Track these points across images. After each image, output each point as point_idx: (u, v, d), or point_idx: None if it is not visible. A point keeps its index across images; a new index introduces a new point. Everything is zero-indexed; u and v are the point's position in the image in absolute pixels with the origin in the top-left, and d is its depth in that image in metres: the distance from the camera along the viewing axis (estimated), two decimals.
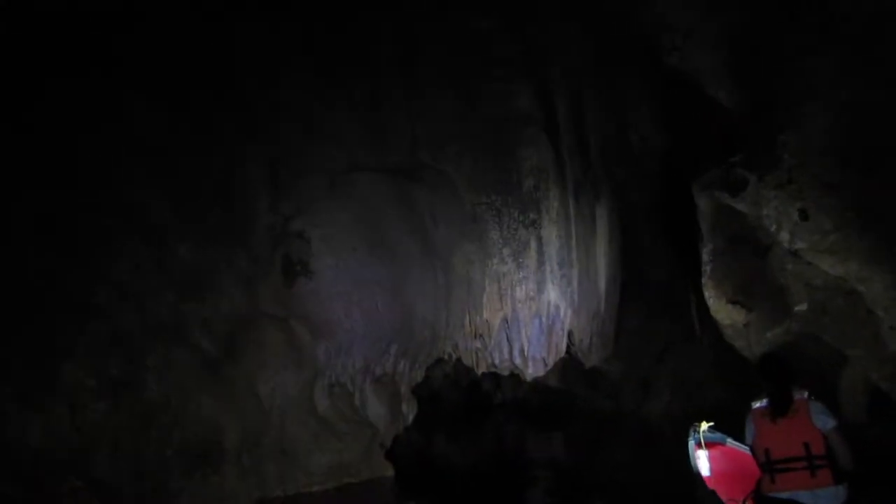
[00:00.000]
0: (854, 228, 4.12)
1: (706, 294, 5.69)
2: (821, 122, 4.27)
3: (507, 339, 8.25)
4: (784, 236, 4.54)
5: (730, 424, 3.76)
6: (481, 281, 7.88)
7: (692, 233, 6.13)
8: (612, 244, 8.49)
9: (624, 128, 8.81)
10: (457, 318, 7.81)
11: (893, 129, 3.97)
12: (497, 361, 8.34)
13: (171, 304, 5.61)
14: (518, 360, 8.31)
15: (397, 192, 7.31)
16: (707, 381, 7.11)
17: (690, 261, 6.33)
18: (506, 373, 8.42)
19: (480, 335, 8.16)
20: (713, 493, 3.44)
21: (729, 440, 3.93)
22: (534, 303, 8.04)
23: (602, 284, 8.42)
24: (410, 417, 7.30)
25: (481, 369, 8.37)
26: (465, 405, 7.94)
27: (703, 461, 3.79)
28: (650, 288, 8.65)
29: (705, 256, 5.71)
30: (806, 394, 2.75)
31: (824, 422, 2.67)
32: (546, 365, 8.37)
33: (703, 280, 5.71)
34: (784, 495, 2.66)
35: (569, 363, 8.42)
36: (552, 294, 8.06)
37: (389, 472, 6.41)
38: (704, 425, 3.98)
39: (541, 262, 7.97)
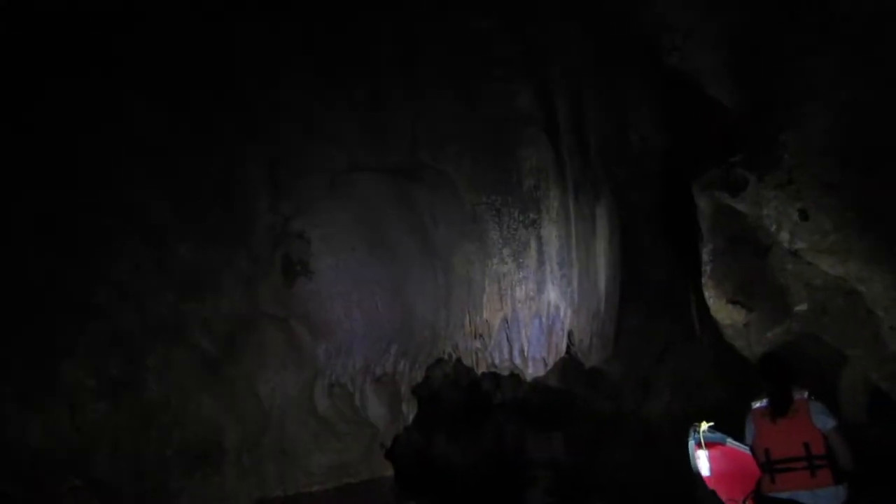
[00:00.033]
0: (854, 228, 4.11)
1: (706, 294, 5.68)
2: (821, 122, 4.27)
3: (507, 339, 8.24)
4: (784, 236, 4.53)
5: (730, 424, 3.75)
6: (481, 281, 7.88)
7: (692, 233, 6.12)
8: (612, 244, 8.48)
9: (624, 128, 8.79)
10: (457, 318, 7.81)
11: (893, 129, 3.97)
12: (497, 361, 8.33)
13: (171, 304, 5.62)
14: (518, 360, 8.31)
15: (397, 192, 7.32)
16: (707, 381, 7.11)
17: (690, 261, 6.32)
18: (506, 373, 8.42)
19: (480, 335, 8.16)
20: (713, 493, 3.44)
21: (729, 440, 3.92)
22: (534, 303, 8.04)
23: (602, 284, 8.41)
24: (410, 417, 7.31)
25: (481, 369, 8.37)
26: (465, 405, 7.94)
27: (703, 461, 3.78)
28: (650, 288, 8.62)
29: (705, 256, 5.70)
30: (806, 394, 2.75)
31: (824, 422, 2.67)
32: (546, 365, 8.36)
33: (703, 280, 5.70)
34: (784, 495, 2.66)
35: (569, 363, 8.41)
36: (552, 294, 8.06)
37: (389, 472, 6.42)
38: (704, 425, 3.96)
39: (541, 262, 7.97)
